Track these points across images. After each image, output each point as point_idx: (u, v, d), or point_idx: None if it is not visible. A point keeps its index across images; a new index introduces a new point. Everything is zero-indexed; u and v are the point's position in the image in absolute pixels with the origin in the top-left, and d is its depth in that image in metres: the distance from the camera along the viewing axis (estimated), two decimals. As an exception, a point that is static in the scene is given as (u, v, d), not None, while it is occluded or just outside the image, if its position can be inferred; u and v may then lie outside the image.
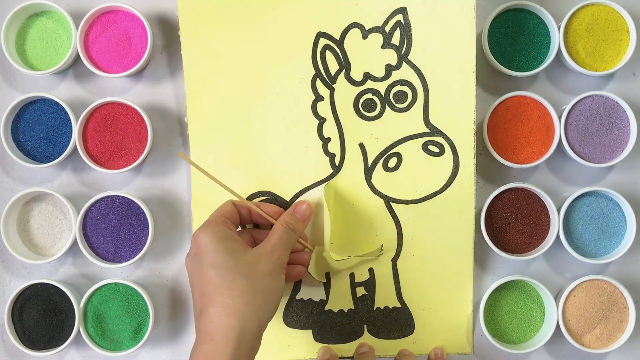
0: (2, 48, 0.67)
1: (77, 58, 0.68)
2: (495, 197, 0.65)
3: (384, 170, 0.64)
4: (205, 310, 0.52)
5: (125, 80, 0.69)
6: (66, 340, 0.65)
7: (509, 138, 0.65)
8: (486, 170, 0.68)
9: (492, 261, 0.68)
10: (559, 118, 0.65)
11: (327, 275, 0.65)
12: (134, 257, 0.65)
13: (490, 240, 0.65)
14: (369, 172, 0.65)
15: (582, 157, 0.65)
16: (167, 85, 0.69)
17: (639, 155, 0.67)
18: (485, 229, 0.65)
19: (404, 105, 0.64)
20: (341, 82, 0.64)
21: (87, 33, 0.67)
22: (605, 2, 0.65)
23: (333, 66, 0.64)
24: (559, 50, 0.65)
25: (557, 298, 0.66)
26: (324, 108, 0.65)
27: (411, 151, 0.64)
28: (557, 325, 0.64)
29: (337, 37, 0.64)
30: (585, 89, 0.67)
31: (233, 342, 0.50)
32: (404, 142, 0.64)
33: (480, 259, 0.67)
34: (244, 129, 0.65)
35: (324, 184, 0.64)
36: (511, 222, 0.66)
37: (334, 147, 0.65)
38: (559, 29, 0.65)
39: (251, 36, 0.65)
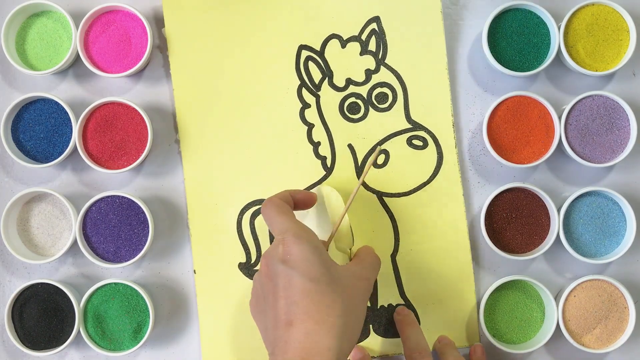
0: (2, 48, 0.67)
1: (77, 58, 0.68)
2: (495, 197, 0.65)
3: (374, 167, 0.67)
4: (298, 324, 0.50)
5: (125, 80, 0.69)
6: (66, 340, 0.65)
7: (509, 138, 0.65)
8: (486, 170, 0.68)
9: (492, 261, 0.68)
10: (559, 118, 0.65)
11: None
12: (134, 257, 0.65)
13: (490, 240, 0.65)
14: (359, 170, 0.67)
15: (582, 157, 0.65)
16: (167, 85, 0.69)
17: (639, 155, 0.67)
18: (485, 229, 0.65)
19: (385, 105, 0.67)
20: (325, 89, 0.67)
21: (87, 33, 0.67)
22: (605, 2, 0.65)
23: (316, 75, 0.67)
24: (559, 50, 0.65)
25: (557, 298, 0.66)
26: (311, 114, 0.67)
27: (397, 147, 0.67)
28: (557, 325, 0.64)
29: (318, 48, 0.67)
30: (585, 89, 0.67)
31: None
32: (389, 139, 0.67)
33: (480, 259, 0.67)
34: (234, 141, 0.67)
35: (318, 187, 0.66)
36: (511, 222, 0.66)
37: (325, 150, 0.67)
38: (559, 29, 0.65)
39: (236, 51, 0.67)
